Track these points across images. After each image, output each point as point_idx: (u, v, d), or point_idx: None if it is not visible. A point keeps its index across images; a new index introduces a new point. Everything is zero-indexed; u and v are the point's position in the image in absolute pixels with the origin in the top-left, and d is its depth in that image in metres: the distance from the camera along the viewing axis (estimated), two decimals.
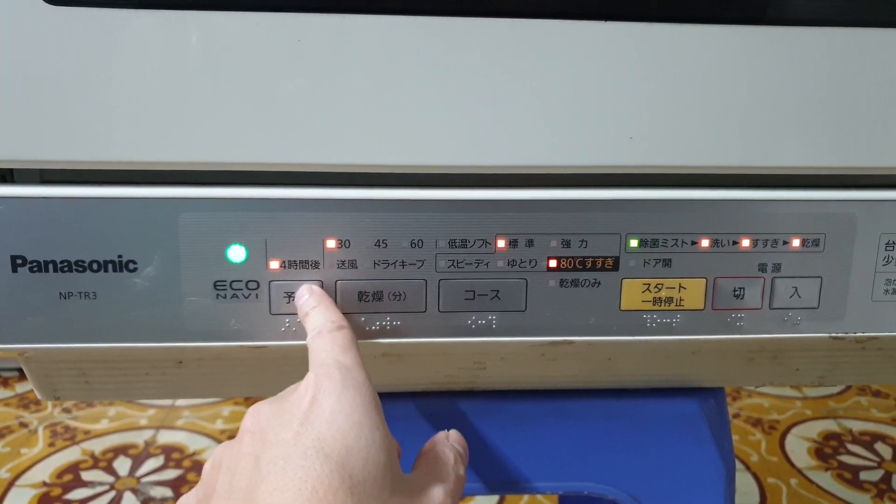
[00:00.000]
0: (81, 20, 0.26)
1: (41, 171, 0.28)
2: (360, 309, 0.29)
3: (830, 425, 1.11)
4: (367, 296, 0.29)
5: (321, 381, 0.24)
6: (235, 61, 0.26)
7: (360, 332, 0.30)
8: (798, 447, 1.06)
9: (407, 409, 0.36)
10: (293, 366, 0.30)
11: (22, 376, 1.13)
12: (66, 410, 1.03)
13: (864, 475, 0.98)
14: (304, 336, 0.28)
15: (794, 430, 1.09)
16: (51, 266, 0.28)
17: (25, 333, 0.28)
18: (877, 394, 1.16)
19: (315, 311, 0.28)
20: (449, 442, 0.29)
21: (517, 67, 0.27)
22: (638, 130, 0.28)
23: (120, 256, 0.28)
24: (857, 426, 1.11)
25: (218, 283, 0.28)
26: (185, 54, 0.26)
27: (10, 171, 0.28)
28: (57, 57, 0.26)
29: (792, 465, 1.03)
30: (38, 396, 0.32)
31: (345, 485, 0.22)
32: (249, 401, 0.96)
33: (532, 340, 0.30)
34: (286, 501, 0.21)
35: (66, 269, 0.28)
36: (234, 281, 0.28)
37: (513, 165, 0.28)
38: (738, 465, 0.95)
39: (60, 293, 0.28)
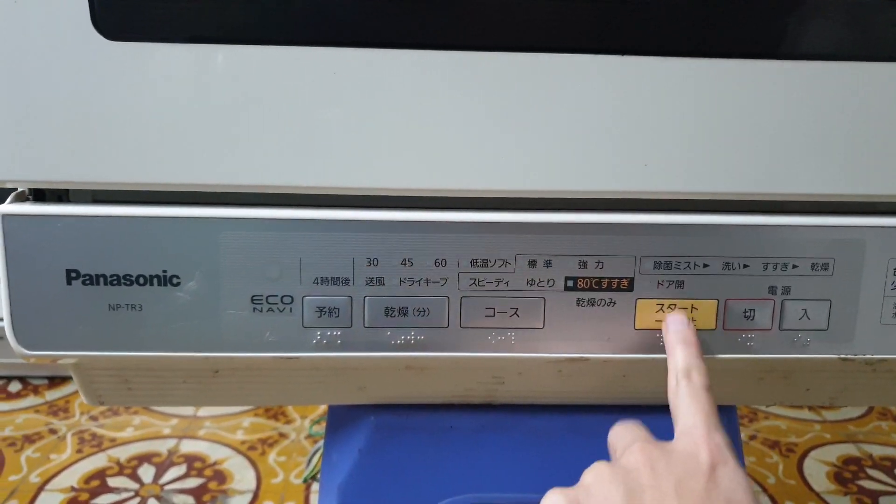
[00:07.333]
0: (135, 54, 0.28)
1: (93, 192, 0.31)
2: (387, 323, 0.31)
3: (850, 449, 1.10)
4: (394, 311, 0.31)
5: (715, 455, 0.27)
6: (274, 93, 0.28)
7: (385, 346, 0.31)
8: (817, 471, 1.04)
9: (427, 421, 0.37)
10: (322, 377, 0.31)
11: (52, 384, 1.15)
12: (94, 418, 1.05)
13: (884, 501, 0.96)
14: (334, 349, 0.30)
15: (813, 454, 1.07)
16: (101, 279, 0.30)
17: (77, 342, 0.30)
18: None
19: (690, 349, 0.30)
20: None
21: (539, 99, 0.29)
22: (653, 158, 0.30)
23: (164, 271, 0.30)
24: (877, 451, 1.09)
25: (255, 297, 0.30)
26: (227, 86, 0.28)
27: (66, 191, 0.31)
28: (110, 88, 0.28)
29: (810, 488, 1.02)
30: (85, 401, 0.34)
31: None
32: (269, 412, 0.98)
33: (549, 357, 0.32)
34: None
35: (115, 282, 0.30)
36: (269, 295, 0.30)
37: (533, 190, 0.30)
38: (755, 487, 0.94)
39: (109, 305, 0.30)
